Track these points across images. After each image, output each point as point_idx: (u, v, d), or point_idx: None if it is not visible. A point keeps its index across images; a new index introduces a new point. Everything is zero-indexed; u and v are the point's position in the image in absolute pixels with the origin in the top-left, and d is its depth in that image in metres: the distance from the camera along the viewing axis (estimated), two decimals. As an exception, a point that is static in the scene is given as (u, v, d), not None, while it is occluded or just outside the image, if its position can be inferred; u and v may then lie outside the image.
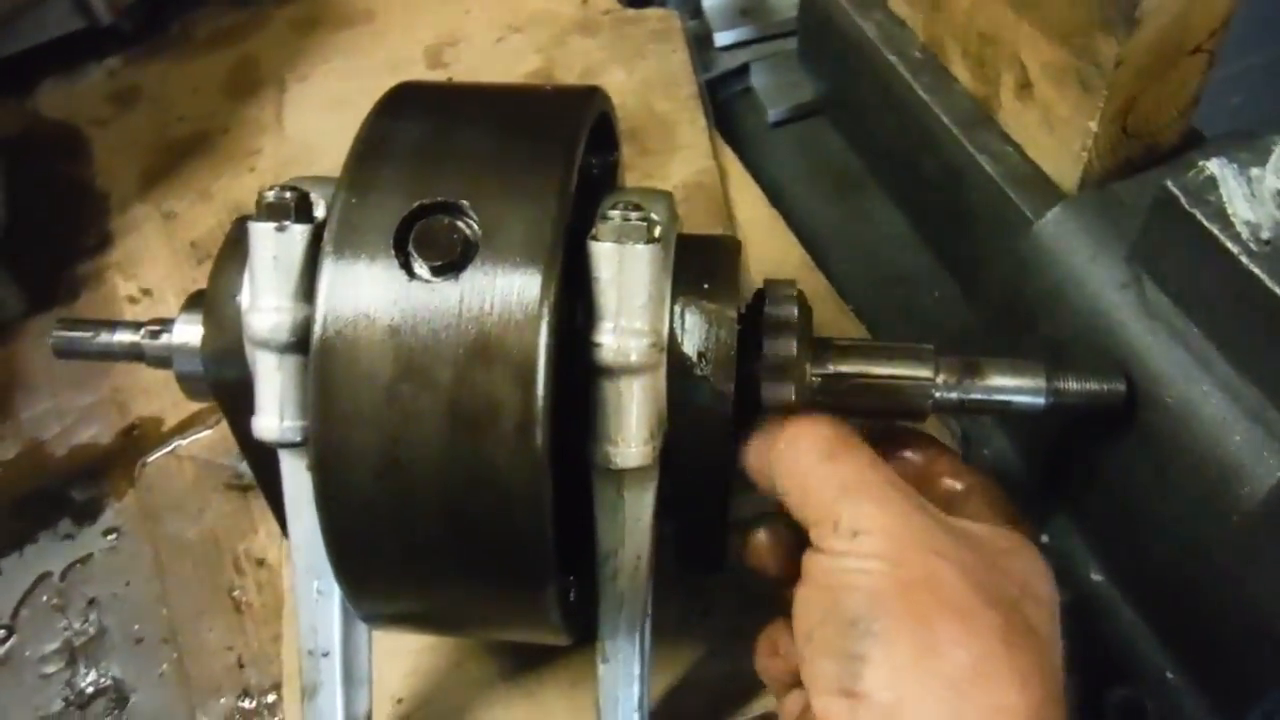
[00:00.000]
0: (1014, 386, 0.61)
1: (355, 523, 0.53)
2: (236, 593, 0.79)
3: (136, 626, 0.78)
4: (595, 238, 0.52)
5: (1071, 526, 0.74)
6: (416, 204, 0.51)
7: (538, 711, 0.70)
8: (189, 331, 0.63)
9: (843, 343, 0.63)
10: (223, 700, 0.74)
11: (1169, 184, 0.59)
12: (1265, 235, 0.56)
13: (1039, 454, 0.77)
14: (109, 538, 0.82)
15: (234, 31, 1.12)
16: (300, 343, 0.54)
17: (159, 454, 0.85)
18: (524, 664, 0.72)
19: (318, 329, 0.50)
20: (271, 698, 0.73)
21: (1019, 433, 0.79)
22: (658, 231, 0.53)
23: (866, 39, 0.86)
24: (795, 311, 0.60)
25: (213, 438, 0.86)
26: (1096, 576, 0.73)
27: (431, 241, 0.50)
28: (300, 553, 0.60)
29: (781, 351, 0.58)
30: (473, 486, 0.51)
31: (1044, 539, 0.75)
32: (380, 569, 0.55)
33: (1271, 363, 0.57)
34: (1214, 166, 0.59)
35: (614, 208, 0.53)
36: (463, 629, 0.63)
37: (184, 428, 0.86)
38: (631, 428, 0.53)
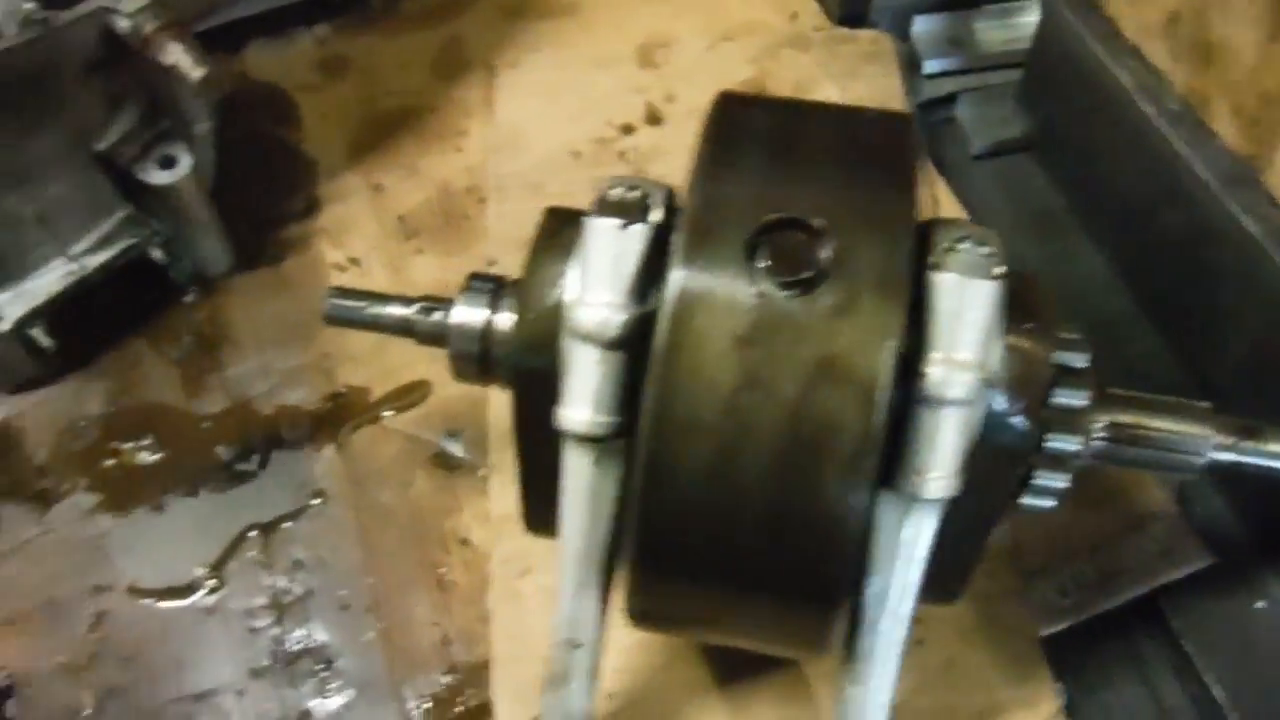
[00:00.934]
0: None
1: (674, 523, 0.53)
2: (442, 570, 0.80)
3: (343, 592, 0.79)
4: (937, 268, 0.53)
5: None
6: (773, 217, 0.52)
7: (747, 723, 0.70)
8: (469, 313, 0.65)
9: (1121, 393, 0.62)
10: (428, 676, 0.75)
11: None
12: None
13: (1260, 518, 0.76)
14: (315, 501, 0.84)
15: (441, 10, 1.13)
16: (625, 340, 0.54)
17: (365, 423, 0.88)
18: (732, 673, 0.73)
19: (664, 332, 0.51)
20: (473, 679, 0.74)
21: (1239, 497, 0.78)
22: (998, 269, 0.53)
23: (1119, 85, 0.84)
24: (1088, 360, 0.59)
25: (420, 413, 0.87)
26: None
27: (786, 257, 0.51)
28: (571, 544, 0.60)
29: (1074, 402, 0.58)
30: (798, 502, 0.51)
31: (1260, 604, 0.75)
32: (685, 570, 0.55)
33: None
34: None
35: (960, 241, 0.53)
36: (734, 635, 0.63)
37: (391, 400, 0.88)
38: (945, 459, 0.53)
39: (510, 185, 0.98)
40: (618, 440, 0.57)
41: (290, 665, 0.76)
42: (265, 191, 1.01)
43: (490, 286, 0.65)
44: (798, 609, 0.56)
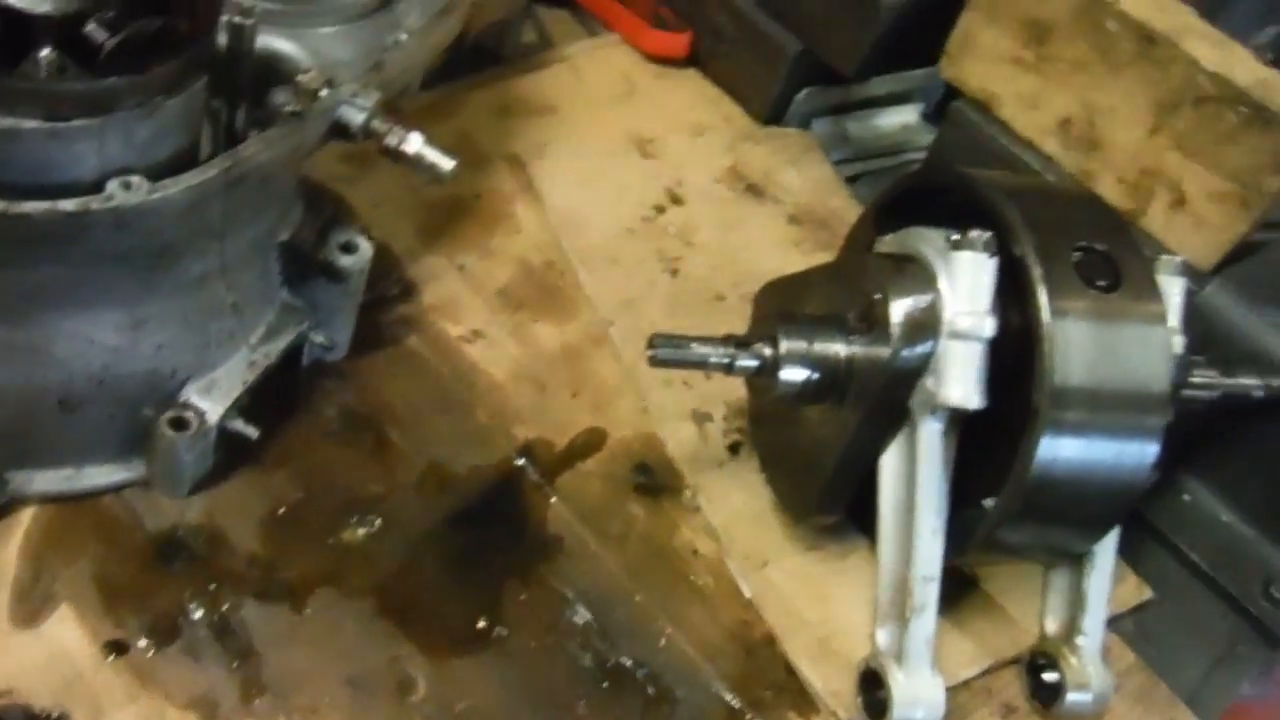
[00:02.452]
0: (1251, 384, 0.98)
1: (1050, 482, 0.76)
2: (693, 577, 0.91)
3: (619, 613, 0.88)
4: (1157, 271, 0.82)
5: (1203, 484, 1.11)
6: (1081, 244, 0.76)
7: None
8: (793, 346, 0.81)
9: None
10: (732, 659, 0.87)
11: (1325, 259, 1.00)
12: None
13: (1173, 434, 1.13)
14: (555, 543, 0.90)
15: (437, 108, 1.21)
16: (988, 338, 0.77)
17: (564, 474, 0.95)
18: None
19: (1046, 321, 0.74)
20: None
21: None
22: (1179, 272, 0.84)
23: (1019, 161, 1.20)
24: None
25: (607, 455, 0.98)
26: (1226, 516, 1.11)
27: (1098, 269, 0.76)
28: (925, 500, 0.80)
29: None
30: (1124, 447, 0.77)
31: (1185, 497, 1.12)
32: (1042, 517, 0.78)
33: None
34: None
35: (1154, 259, 0.83)
36: (1044, 556, 0.86)
37: (577, 448, 0.97)
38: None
39: (590, 259, 1.11)
40: (960, 416, 0.79)
41: (615, 677, 0.84)
42: (353, 277, 1.03)
43: (799, 324, 0.82)
44: (1097, 531, 0.82)
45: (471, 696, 0.82)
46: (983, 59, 1.23)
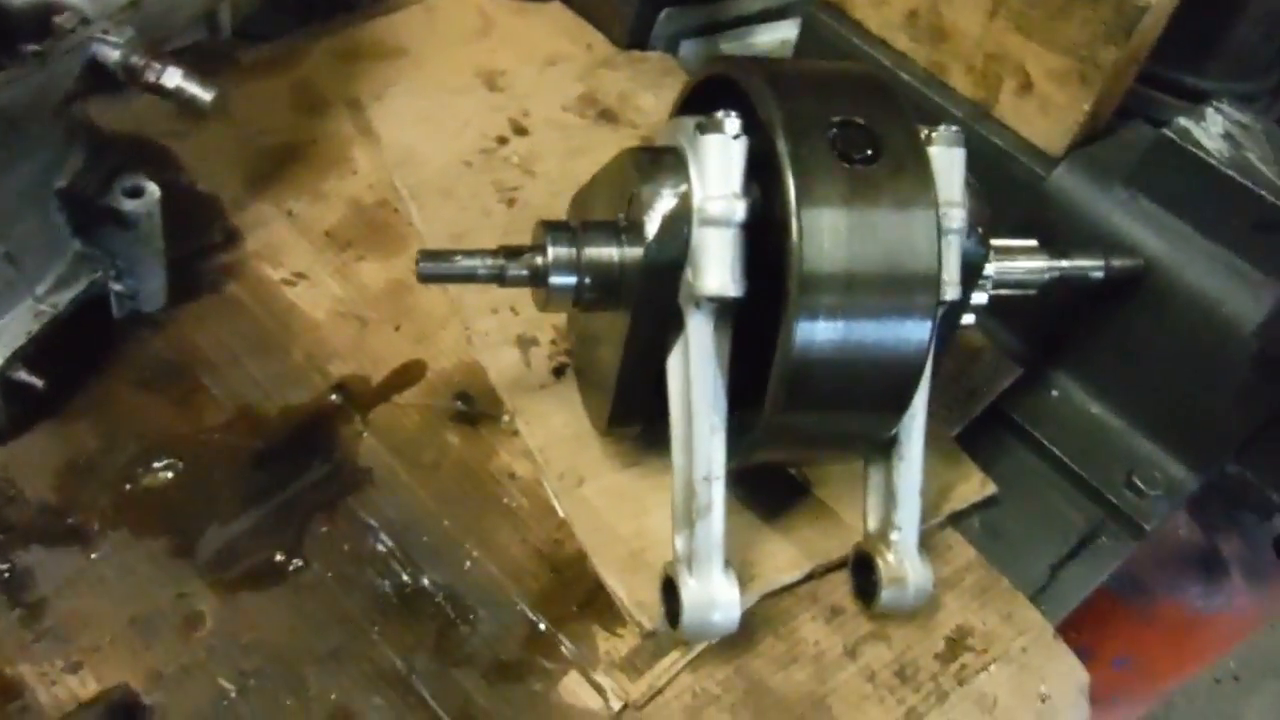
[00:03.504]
0: (1090, 265, 0.94)
1: (812, 368, 0.73)
2: (505, 500, 0.90)
3: (425, 539, 0.87)
4: (930, 143, 0.78)
5: (1071, 378, 1.08)
6: (837, 119, 0.73)
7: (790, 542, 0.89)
8: (560, 252, 0.79)
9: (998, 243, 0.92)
10: (538, 579, 0.86)
11: (1166, 131, 0.96)
12: (1226, 155, 0.94)
13: (1038, 331, 1.10)
14: (364, 474, 0.89)
15: (278, 60, 1.21)
16: (743, 223, 0.73)
17: (379, 407, 0.94)
18: (770, 511, 0.92)
19: (792, 201, 0.71)
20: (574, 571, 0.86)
21: (1014, 322, 1.11)
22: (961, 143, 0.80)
23: (876, 63, 1.16)
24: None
25: (425, 387, 0.97)
26: (1094, 409, 1.07)
27: (853, 144, 0.73)
28: (700, 398, 0.78)
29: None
30: (892, 329, 0.74)
31: (1053, 392, 1.08)
32: (816, 397, 0.75)
33: (1239, 229, 0.93)
34: (1184, 121, 0.96)
35: (934, 130, 0.79)
36: (828, 450, 0.84)
37: (394, 381, 0.96)
38: (952, 274, 0.79)
39: (423, 193, 1.10)
40: (729, 308, 0.76)
41: (413, 602, 0.83)
42: (176, 229, 1.02)
43: (568, 230, 0.80)
44: (885, 417, 0.79)
45: (260, 629, 0.81)
46: (829, -42, 1.19)
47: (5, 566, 0.81)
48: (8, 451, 0.87)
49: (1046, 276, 0.94)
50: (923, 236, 0.74)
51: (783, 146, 0.73)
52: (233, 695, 0.77)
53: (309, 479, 0.90)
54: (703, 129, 0.75)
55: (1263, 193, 0.93)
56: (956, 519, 0.96)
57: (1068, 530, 1.00)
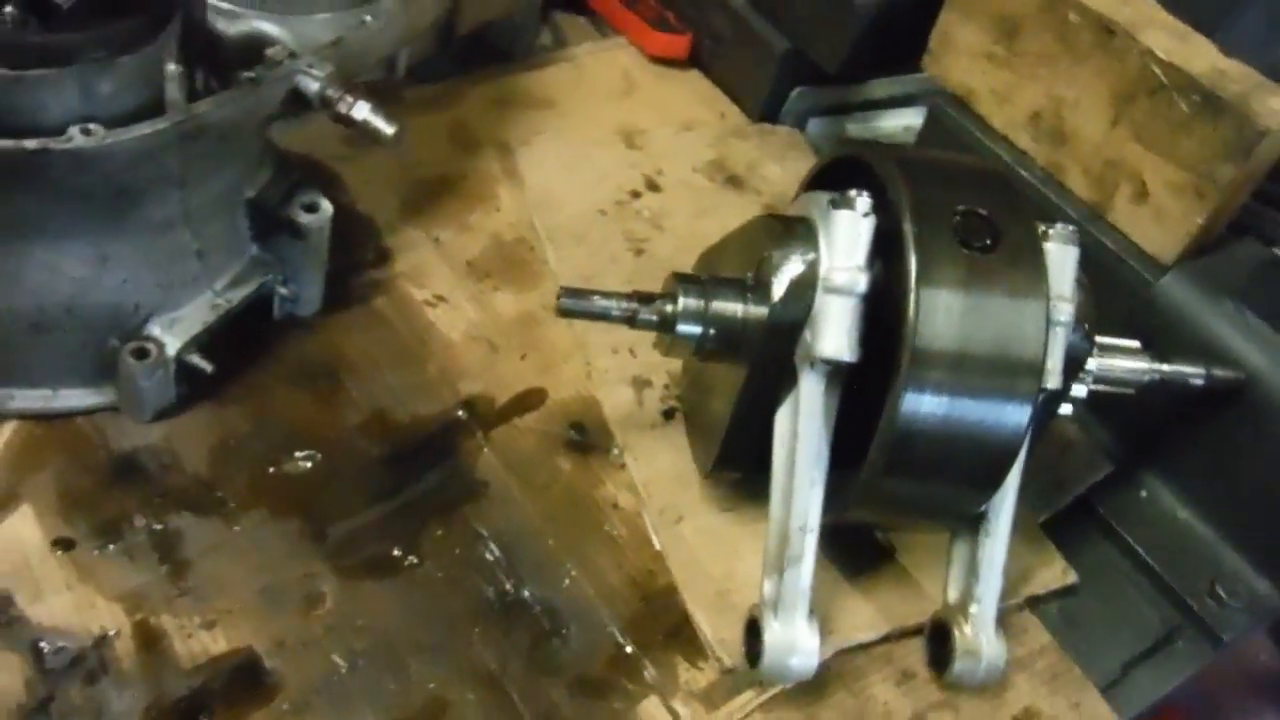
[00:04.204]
0: (1191, 372, 0.97)
1: (913, 439, 0.78)
2: (606, 527, 0.96)
3: (532, 553, 0.94)
4: (1047, 238, 0.83)
5: (1161, 480, 1.10)
6: (961, 208, 0.79)
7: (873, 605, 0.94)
8: (689, 303, 0.86)
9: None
10: (629, 604, 0.91)
11: (1277, 250, 0.99)
12: None
13: (1133, 431, 1.12)
14: (481, 486, 0.97)
15: (439, 100, 1.31)
16: (865, 295, 0.79)
17: (500, 427, 1.02)
18: (854, 572, 0.96)
19: (912, 276, 0.77)
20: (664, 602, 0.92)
21: (1110, 420, 1.14)
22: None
23: (999, 160, 1.22)
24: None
25: (544, 414, 1.04)
26: (1181, 513, 1.09)
27: (974, 231, 0.78)
28: (805, 452, 0.83)
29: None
30: (995, 407, 0.78)
31: (1142, 493, 1.10)
32: (910, 473, 0.80)
33: None
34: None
35: (1051, 227, 0.84)
36: (921, 517, 0.89)
37: (516, 405, 1.04)
38: (1056, 365, 0.83)
39: (559, 235, 1.18)
40: (840, 372, 0.82)
41: (512, 610, 0.89)
42: (335, 244, 1.11)
43: (699, 283, 0.87)
44: (978, 492, 0.83)
45: (373, 615, 0.88)
46: (960, 55, 1.24)
47: (159, 526, 0.90)
48: (171, 426, 0.97)
49: (1146, 378, 0.97)
50: (1032, 325, 0.79)
51: (908, 228, 0.79)
52: (343, 671, 0.84)
53: (430, 483, 0.97)
54: (835, 204, 0.81)
55: (1371, 320, 0.96)
56: (1035, 603, 0.99)
57: (1145, 630, 1.01)
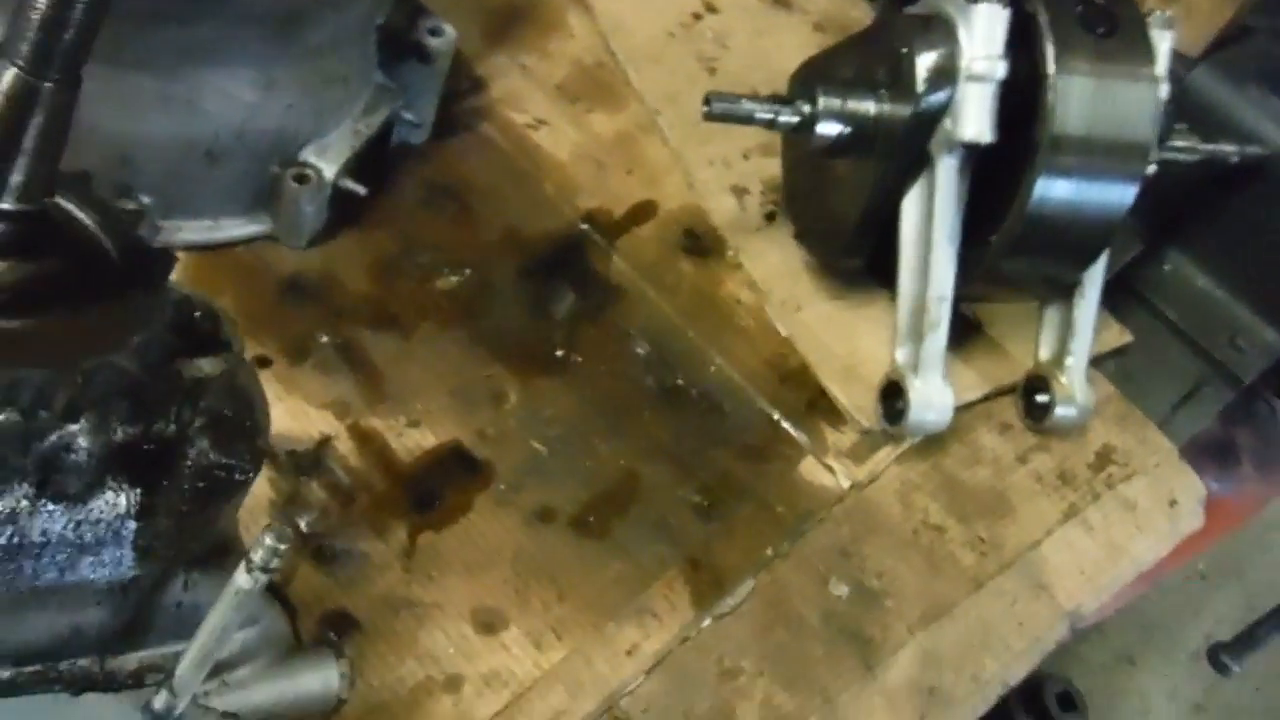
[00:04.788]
0: (1229, 150, 1.11)
1: (1043, 219, 0.89)
2: (737, 319, 1.06)
3: (675, 346, 1.02)
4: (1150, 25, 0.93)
5: (1182, 254, 1.25)
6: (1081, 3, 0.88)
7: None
8: (830, 102, 0.93)
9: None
10: (774, 381, 1.01)
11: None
12: None
13: (1156, 213, 1.25)
14: (617, 291, 1.04)
15: (489, -72, 1.31)
16: (1001, 81, 0.88)
17: (623, 237, 1.09)
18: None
19: (1052, 69, 0.86)
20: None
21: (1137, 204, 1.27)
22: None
23: None
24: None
25: (659, 222, 1.11)
26: (1200, 281, 1.25)
27: (1098, 20, 0.88)
28: (941, 229, 0.93)
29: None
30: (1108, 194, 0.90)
31: (1166, 266, 1.26)
32: (1036, 250, 0.92)
33: None
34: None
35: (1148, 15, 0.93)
36: (1025, 294, 1.01)
37: (633, 215, 1.10)
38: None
39: (636, 58, 1.23)
40: (972, 154, 0.92)
41: (672, 396, 0.99)
42: (429, 73, 1.14)
43: (836, 83, 0.94)
44: (1085, 262, 0.97)
45: (555, 407, 0.97)
46: None
47: (341, 340, 0.96)
48: (325, 250, 1.01)
49: (1195, 157, 1.10)
50: (1147, 107, 0.91)
51: (1044, 18, 0.89)
52: (544, 455, 0.94)
53: (573, 290, 1.05)
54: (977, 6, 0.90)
55: (1380, 97, 1.11)
56: (1097, 361, 1.14)
57: (1183, 378, 1.18)
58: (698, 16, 1.32)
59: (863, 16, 1.38)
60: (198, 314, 0.51)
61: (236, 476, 0.50)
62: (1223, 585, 2.96)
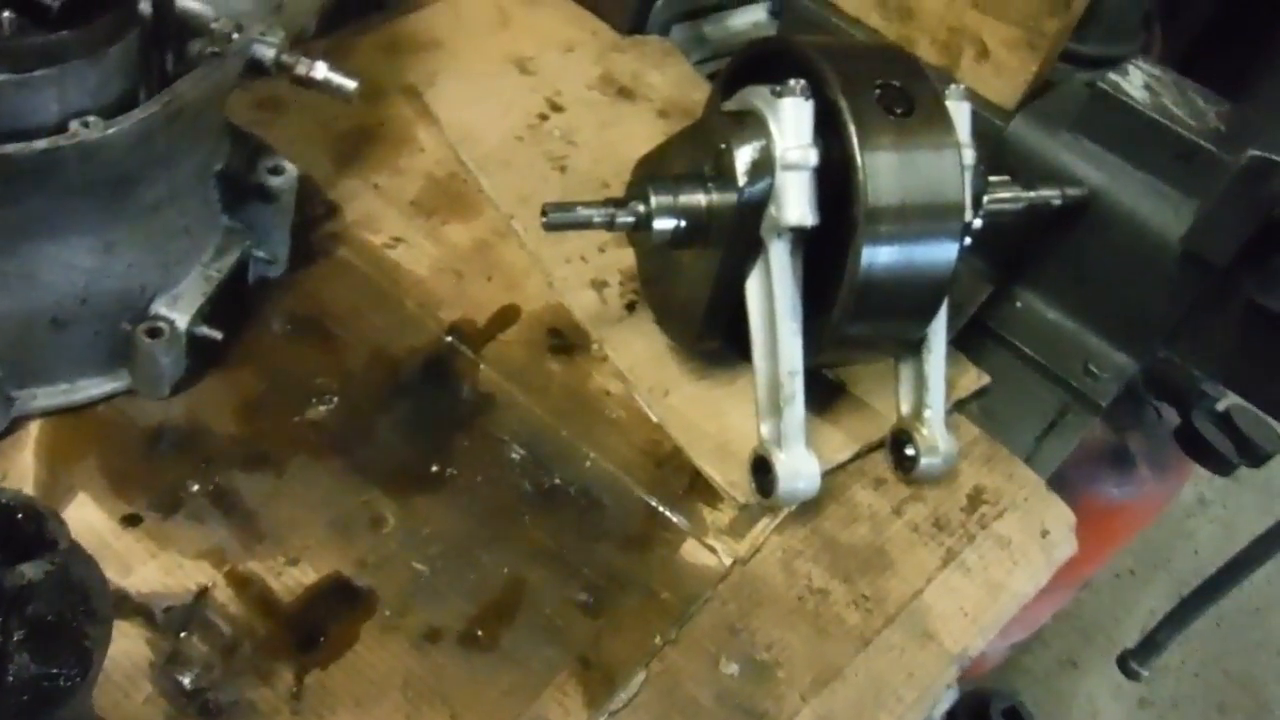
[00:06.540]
0: (1050, 195, 1.17)
1: (873, 284, 0.93)
2: (607, 412, 1.09)
3: (547, 448, 1.05)
4: (948, 98, 0.99)
5: (1031, 291, 1.31)
6: (879, 82, 0.93)
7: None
8: (662, 200, 0.97)
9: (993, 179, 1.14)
10: (645, 469, 1.04)
11: (1100, 84, 1.19)
12: (1148, 101, 1.18)
13: (1001, 255, 1.32)
14: (488, 399, 1.06)
15: (332, 53, 1.30)
16: (813, 167, 0.93)
17: (488, 345, 1.11)
18: (817, 408, 1.12)
19: (855, 145, 0.92)
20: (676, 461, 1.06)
21: (983, 248, 1.33)
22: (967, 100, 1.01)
23: (853, 38, 1.38)
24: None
25: (523, 326, 1.14)
26: (1051, 314, 1.31)
27: (895, 100, 0.93)
28: (782, 308, 0.98)
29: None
30: (930, 249, 0.95)
31: (1018, 304, 1.32)
32: (876, 306, 0.96)
33: (1162, 160, 1.17)
34: (1113, 76, 1.20)
35: (946, 86, 0.99)
36: (875, 351, 1.06)
37: (496, 323, 1.13)
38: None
39: (487, 165, 1.27)
40: (802, 236, 0.96)
41: (551, 496, 1.01)
42: (281, 205, 1.16)
43: (665, 181, 0.98)
44: (923, 319, 1.01)
45: (434, 524, 0.98)
46: (803, -52, 1.40)
47: (213, 487, 0.96)
48: (189, 397, 1.01)
49: (1020, 205, 1.17)
50: (952, 172, 0.96)
51: (843, 104, 0.94)
52: (427, 574, 0.94)
53: (443, 405, 1.07)
54: (778, 94, 0.95)
55: (1179, 130, 1.18)
56: (960, 405, 1.19)
57: (1043, 411, 1.24)
58: (544, 117, 1.36)
59: (703, 98, 1.42)
60: (20, 516, 0.52)
61: (63, 684, 0.50)
62: (1151, 578, 3.05)
